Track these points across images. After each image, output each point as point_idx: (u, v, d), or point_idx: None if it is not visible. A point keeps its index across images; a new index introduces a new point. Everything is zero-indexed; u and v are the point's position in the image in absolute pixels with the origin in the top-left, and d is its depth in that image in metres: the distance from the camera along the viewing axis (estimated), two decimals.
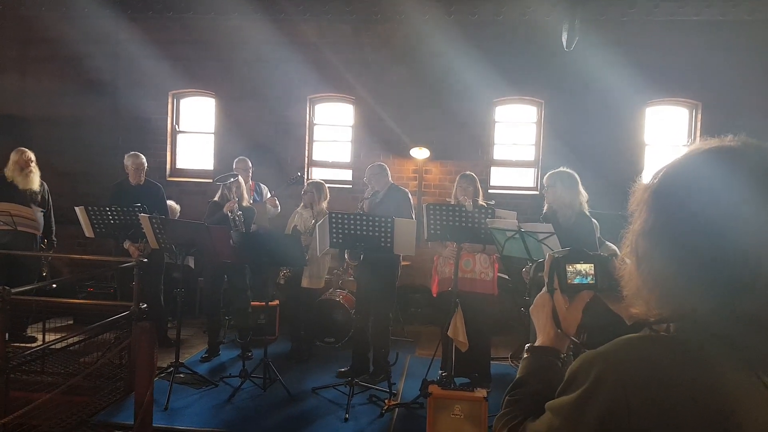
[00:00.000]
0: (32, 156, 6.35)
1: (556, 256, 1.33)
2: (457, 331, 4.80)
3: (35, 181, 6.37)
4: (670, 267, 0.96)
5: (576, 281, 1.30)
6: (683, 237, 0.95)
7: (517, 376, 1.28)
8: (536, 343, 1.32)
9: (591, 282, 1.30)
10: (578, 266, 1.30)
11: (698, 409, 0.87)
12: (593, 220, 4.54)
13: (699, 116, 7.88)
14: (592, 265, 1.30)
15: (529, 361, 1.29)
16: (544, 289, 1.34)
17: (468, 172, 5.52)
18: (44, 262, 6.58)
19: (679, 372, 0.90)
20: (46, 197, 6.55)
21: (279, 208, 7.08)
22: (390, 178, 5.82)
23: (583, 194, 4.58)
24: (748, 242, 0.90)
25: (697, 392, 0.88)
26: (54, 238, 6.63)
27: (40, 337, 6.05)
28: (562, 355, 1.28)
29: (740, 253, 0.90)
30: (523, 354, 1.32)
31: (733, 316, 0.92)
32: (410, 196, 5.79)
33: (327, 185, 6.27)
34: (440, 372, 5.02)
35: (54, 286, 5.83)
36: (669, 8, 7.04)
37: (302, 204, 6.14)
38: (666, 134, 8.18)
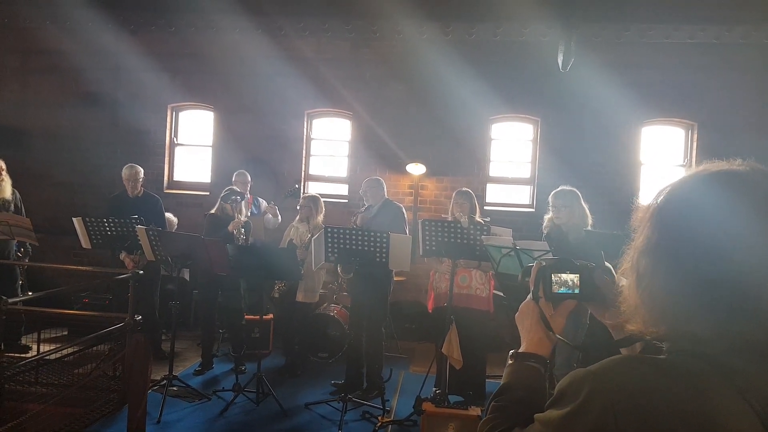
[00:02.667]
0: (2, 164, 6.33)
1: (543, 264, 1.34)
2: (452, 348, 4.78)
3: (6, 189, 6.34)
4: (671, 286, 0.95)
5: (561, 291, 1.31)
6: (686, 257, 0.94)
7: (502, 382, 1.28)
8: (520, 350, 1.32)
9: (576, 292, 1.31)
10: (564, 276, 1.31)
11: None
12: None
13: (695, 136, 7.93)
14: (578, 275, 1.31)
15: (514, 367, 1.29)
16: (529, 296, 1.36)
17: (465, 189, 5.53)
18: (20, 271, 6.54)
19: (669, 397, 0.89)
20: (19, 205, 6.50)
21: (279, 218, 7.07)
22: (386, 193, 5.85)
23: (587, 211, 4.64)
24: (752, 268, 0.89)
25: (687, 419, 0.87)
26: (29, 246, 6.57)
27: (34, 347, 6.03)
28: (547, 361, 1.29)
29: (743, 279, 0.89)
30: (507, 360, 1.33)
31: (731, 341, 0.91)
32: (404, 211, 5.80)
33: (323, 199, 6.29)
34: (434, 389, 5.00)
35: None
36: (663, 31, 7.11)
37: (298, 218, 6.16)
38: (662, 154, 8.22)
